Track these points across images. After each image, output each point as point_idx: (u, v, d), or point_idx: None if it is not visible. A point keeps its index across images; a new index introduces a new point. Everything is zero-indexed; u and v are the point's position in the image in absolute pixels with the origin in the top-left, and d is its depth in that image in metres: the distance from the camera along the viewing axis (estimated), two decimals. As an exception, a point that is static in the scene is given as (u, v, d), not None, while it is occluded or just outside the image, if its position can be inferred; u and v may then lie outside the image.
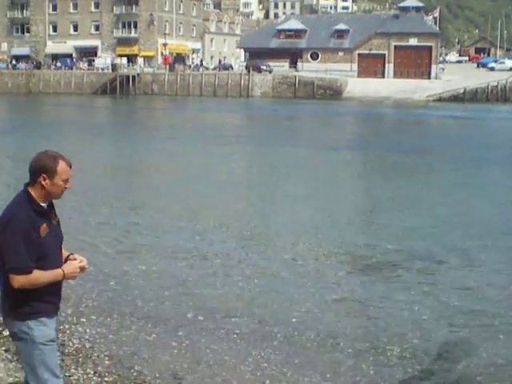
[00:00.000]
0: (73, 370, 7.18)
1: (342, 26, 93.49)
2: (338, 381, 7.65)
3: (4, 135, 37.38)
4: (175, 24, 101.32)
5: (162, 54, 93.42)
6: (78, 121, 48.97)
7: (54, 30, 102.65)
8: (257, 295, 10.51)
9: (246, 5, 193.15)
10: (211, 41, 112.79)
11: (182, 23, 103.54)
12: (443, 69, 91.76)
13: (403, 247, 13.64)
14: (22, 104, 69.21)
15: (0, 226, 4.42)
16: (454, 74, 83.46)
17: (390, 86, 77.19)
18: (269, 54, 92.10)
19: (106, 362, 7.81)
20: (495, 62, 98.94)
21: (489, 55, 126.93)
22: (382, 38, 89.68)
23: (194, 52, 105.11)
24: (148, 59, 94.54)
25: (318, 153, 30.41)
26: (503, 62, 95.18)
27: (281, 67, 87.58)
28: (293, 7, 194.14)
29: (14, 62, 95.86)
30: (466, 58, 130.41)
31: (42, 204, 4.56)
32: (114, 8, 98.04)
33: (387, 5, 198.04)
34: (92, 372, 7.37)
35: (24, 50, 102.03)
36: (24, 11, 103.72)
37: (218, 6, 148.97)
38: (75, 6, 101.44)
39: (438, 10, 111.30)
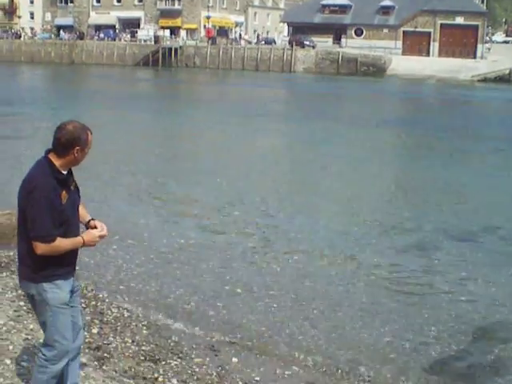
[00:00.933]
0: (111, 339, 7.27)
1: (387, 3, 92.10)
2: (372, 356, 7.65)
3: (47, 104, 37.79)
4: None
5: (204, 26, 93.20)
6: (119, 92, 49.19)
7: (98, 0, 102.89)
8: (295, 271, 10.52)
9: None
10: (254, 14, 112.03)
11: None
12: (489, 49, 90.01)
13: (444, 226, 13.51)
14: (64, 74, 69.72)
15: (25, 194, 4.50)
16: (500, 55, 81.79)
17: (434, 65, 76.05)
18: (312, 29, 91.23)
19: (144, 332, 7.90)
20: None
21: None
22: (427, 15, 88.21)
23: (237, 25, 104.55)
24: (191, 32, 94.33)
25: (358, 130, 30.15)
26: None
27: (324, 43, 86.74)
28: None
29: (57, 32, 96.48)
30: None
31: (64, 172, 4.62)
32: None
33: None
34: (130, 341, 7.45)
35: (67, 21, 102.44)
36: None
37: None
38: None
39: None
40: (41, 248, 4.47)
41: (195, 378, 6.73)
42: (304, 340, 7.97)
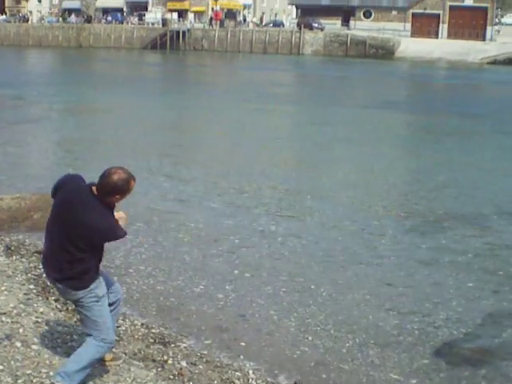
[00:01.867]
0: (121, 321, 7.31)
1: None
2: (381, 338, 7.68)
3: (53, 88, 37.81)
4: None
5: (212, 9, 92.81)
6: (127, 76, 49.14)
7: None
8: (303, 256, 10.53)
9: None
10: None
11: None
12: (499, 31, 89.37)
13: (451, 209, 13.51)
14: (72, 58, 69.63)
15: (99, 236, 5.02)
16: (510, 37, 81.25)
17: (443, 47, 75.58)
18: (321, 11, 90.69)
19: (153, 313, 7.96)
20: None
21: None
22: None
23: (245, 8, 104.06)
24: (199, 14, 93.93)
25: (366, 112, 30.06)
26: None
27: (333, 25, 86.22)
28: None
29: (65, 15, 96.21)
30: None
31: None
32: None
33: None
34: (139, 324, 7.50)
35: (75, 4, 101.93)
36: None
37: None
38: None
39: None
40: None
41: (204, 360, 6.77)
42: (312, 323, 8.00)
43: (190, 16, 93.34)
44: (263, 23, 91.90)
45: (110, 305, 5.38)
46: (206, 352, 7.00)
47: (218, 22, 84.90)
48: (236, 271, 9.63)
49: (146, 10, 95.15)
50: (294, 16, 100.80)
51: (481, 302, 8.91)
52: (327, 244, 11.18)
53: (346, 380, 6.81)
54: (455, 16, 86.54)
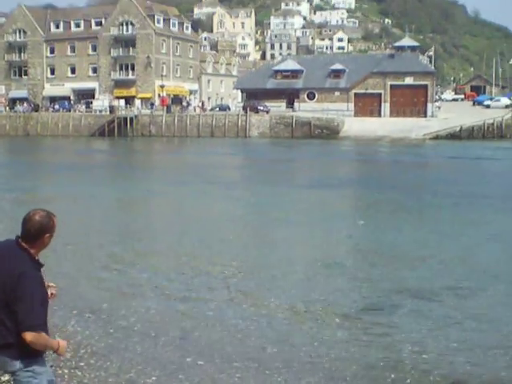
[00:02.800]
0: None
1: (338, 66, 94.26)
2: None
3: (3, 178, 37.50)
4: (172, 66, 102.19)
5: (159, 95, 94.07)
6: (75, 163, 49.09)
7: (52, 72, 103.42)
8: (257, 339, 10.46)
9: (243, 46, 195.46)
10: (208, 82, 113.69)
11: (179, 65, 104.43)
12: (439, 107, 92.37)
13: (401, 285, 13.64)
14: (19, 147, 69.43)
15: (11, 283, 4.73)
16: (451, 112, 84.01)
17: (386, 125, 77.57)
18: (266, 94, 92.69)
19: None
20: (491, 99, 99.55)
21: (484, 93, 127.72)
22: (377, 77, 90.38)
23: (191, 93, 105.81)
24: (145, 101, 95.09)
25: (314, 193, 30.45)
26: (499, 100, 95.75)
27: (278, 107, 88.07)
28: (289, 48, 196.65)
29: (12, 104, 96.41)
30: (462, 96, 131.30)
31: (37, 258, 4.97)
32: (112, 50, 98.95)
33: (383, 44, 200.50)
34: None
35: (22, 93, 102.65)
36: (22, 54, 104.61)
37: (214, 47, 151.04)
38: (73, 49, 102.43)
39: (433, 48, 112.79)
40: (31, 336, 4.69)
41: None
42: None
43: (137, 102, 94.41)
44: (203, 107, 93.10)
45: None
46: None
47: (165, 108, 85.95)
48: (188, 359, 9.49)
49: (94, 97, 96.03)
50: (240, 100, 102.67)
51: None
52: (280, 326, 11.14)
53: None
54: (396, 94, 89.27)
